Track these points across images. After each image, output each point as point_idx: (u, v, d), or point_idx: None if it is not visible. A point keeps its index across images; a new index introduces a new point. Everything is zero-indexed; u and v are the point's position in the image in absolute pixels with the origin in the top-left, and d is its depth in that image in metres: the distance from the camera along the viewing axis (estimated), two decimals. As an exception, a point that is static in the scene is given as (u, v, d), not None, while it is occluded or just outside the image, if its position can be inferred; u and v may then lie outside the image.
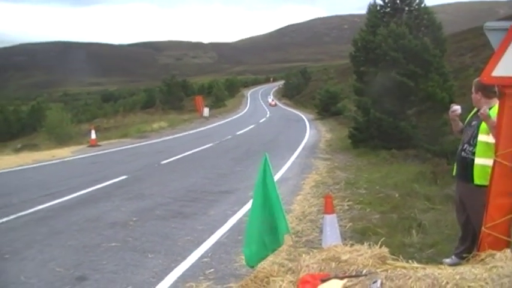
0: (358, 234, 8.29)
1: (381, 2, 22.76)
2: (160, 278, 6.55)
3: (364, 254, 5.31)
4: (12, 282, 6.50)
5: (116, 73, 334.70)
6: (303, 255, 5.52)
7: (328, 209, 7.04)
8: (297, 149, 23.06)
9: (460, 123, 6.36)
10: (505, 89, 5.13)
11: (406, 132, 19.82)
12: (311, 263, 5.08)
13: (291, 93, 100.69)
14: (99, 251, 7.78)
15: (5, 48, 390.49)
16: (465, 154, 6.07)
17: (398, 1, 22.39)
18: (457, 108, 6.24)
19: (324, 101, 50.09)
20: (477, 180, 5.83)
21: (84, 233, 8.87)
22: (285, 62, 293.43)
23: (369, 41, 21.69)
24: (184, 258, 7.38)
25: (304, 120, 49.97)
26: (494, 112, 5.53)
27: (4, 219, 9.91)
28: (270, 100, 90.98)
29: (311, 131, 36.34)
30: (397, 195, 11.16)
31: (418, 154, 18.00)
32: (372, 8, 22.83)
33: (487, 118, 5.51)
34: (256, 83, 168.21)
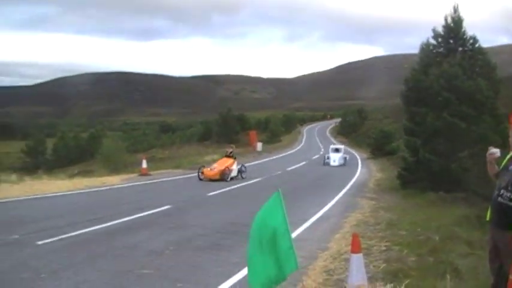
0: (389, 276, 8.16)
1: (434, 42, 22.56)
2: (186, 308, 6.62)
3: (385, 296, 5.26)
4: (43, 302, 6.68)
5: (175, 104, 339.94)
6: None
7: (355, 248, 6.97)
8: (345, 188, 22.94)
9: (496, 167, 6.23)
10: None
11: (456, 175, 19.47)
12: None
13: (347, 131, 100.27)
14: (131, 277, 7.93)
15: (69, 77, 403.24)
16: (502, 200, 5.90)
17: (452, 41, 22.18)
18: (495, 151, 6.11)
19: (378, 140, 49.77)
20: None
21: (120, 259, 9.05)
22: (343, 99, 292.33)
23: (420, 80, 21.53)
24: (212, 289, 7.44)
25: (357, 158, 49.67)
26: None
27: (48, 240, 10.21)
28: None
29: (362, 169, 36.10)
30: (437, 238, 10.96)
31: (466, 197, 17.65)
32: (425, 48, 22.67)
33: None
34: (313, 119, 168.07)
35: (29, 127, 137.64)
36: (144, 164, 27.68)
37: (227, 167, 24.29)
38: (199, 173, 24.21)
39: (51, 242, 10.16)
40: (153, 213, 14.37)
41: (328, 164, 39.50)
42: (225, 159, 25.54)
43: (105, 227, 12.10)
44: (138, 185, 22.56)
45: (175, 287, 7.51)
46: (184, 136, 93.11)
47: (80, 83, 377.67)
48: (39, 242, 10.02)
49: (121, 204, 16.16)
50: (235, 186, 22.22)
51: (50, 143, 74.54)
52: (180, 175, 27.93)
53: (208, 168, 24.26)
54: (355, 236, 7.17)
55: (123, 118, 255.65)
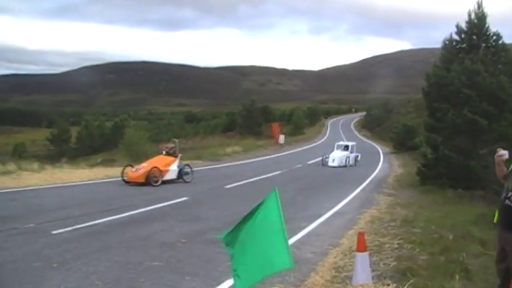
0: (398, 275, 8.14)
1: (457, 38, 22.28)
2: (190, 301, 6.68)
3: (386, 296, 5.25)
4: (53, 292, 6.80)
5: (200, 95, 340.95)
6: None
7: (360, 246, 6.96)
8: (364, 183, 22.87)
9: (505, 169, 6.20)
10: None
11: (475, 172, 19.29)
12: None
13: (372, 125, 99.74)
14: (140, 269, 8.02)
15: (95, 66, 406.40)
16: (509, 202, 5.87)
17: (475, 37, 21.88)
18: (504, 153, 6.09)
19: (400, 135, 49.45)
20: None
21: (131, 250, 9.15)
22: (369, 93, 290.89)
23: (442, 76, 21.32)
24: (219, 283, 7.49)
25: (379, 153, 49.41)
26: None
27: (62, 230, 10.37)
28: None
29: (383, 164, 35.95)
30: (450, 237, 10.91)
31: (485, 195, 17.49)
32: (448, 43, 22.41)
33: None
34: (338, 112, 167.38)
35: (55, 115, 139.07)
36: (165, 155, 27.68)
37: (157, 168, 18.95)
38: (123, 174, 19.15)
39: (65, 231, 10.30)
40: (168, 205, 14.50)
41: (326, 164, 32.39)
42: (161, 157, 20.50)
43: (120, 217, 12.23)
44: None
45: (184, 280, 7.57)
46: (208, 127, 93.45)
47: (105, 72, 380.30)
48: (54, 232, 10.18)
49: (138, 195, 16.30)
50: (255, 179, 22.27)
51: (74, 132, 75.31)
52: (200, 166, 28.04)
53: (134, 169, 19.14)
54: (360, 235, 7.15)
55: (148, 108, 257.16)
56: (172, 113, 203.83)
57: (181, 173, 20.24)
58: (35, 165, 21.55)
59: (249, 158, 36.41)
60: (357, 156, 35.25)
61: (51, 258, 8.33)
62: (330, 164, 32.07)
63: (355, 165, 33.40)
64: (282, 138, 52.87)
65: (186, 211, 13.67)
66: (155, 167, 18.97)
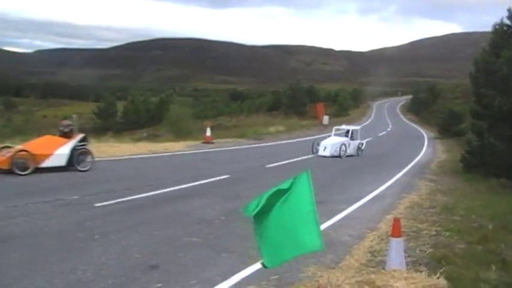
0: (433, 262, 8.11)
1: (508, 22, 21.61)
2: (226, 277, 6.85)
3: (418, 283, 5.28)
4: (94, 262, 7.05)
5: (246, 73, 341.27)
6: (338, 273, 5.56)
7: (395, 232, 6.96)
8: (406, 167, 22.67)
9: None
10: None
11: (521, 161, 18.91)
12: (343, 283, 5.13)
13: (418, 109, 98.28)
14: (178, 244, 8.23)
15: (142, 42, 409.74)
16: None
17: (528, 21, 21.26)
18: None
19: (446, 120, 48.72)
20: None
21: (171, 226, 9.37)
22: (416, 76, 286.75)
23: (490, 62, 20.85)
24: (255, 261, 7.56)
25: (424, 137, 48.78)
26: None
27: (105, 203, 10.69)
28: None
29: (427, 149, 35.54)
30: (490, 226, 10.77)
31: (530, 186, 17.17)
32: (498, 28, 21.78)
33: None
34: (384, 95, 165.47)
35: (101, 89, 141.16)
36: (208, 132, 28.07)
37: (26, 152, 14.32)
38: None
39: (108, 204, 10.62)
40: (209, 182, 14.70)
41: (317, 152, 25.39)
42: (47, 138, 16.07)
43: (161, 193, 12.50)
44: (200, 152, 23.01)
45: (219, 257, 7.74)
46: (253, 105, 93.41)
47: (152, 47, 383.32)
48: (97, 204, 10.51)
49: (180, 171, 16.60)
50: (296, 159, 22.34)
51: (120, 106, 76.36)
52: (242, 145, 28.27)
53: (5, 152, 14.50)
54: (396, 220, 7.14)
55: (193, 84, 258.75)
56: (216, 90, 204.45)
57: (73, 159, 15.35)
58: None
59: (292, 138, 36.49)
60: (361, 144, 27.84)
61: (93, 230, 8.63)
62: (321, 153, 25.20)
63: (358, 155, 26.78)
64: (326, 119, 52.56)
65: (226, 188, 13.86)
66: (22, 151, 14.41)
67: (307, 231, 5.24)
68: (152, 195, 12.13)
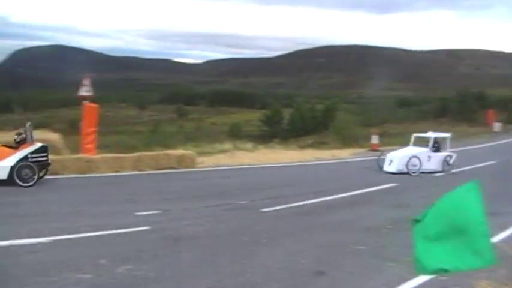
0: None
1: None
2: (392, 287, 6.66)
3: None
4: (261, 265, 7.23)
5: (412, 79, 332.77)
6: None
7: None
8: None
9: None
10: None
11: None
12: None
13: None
14: (344, 251, 8.18)
15: (307, 50, 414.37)
16: None
17: None
18: None
19: None
20: None
21: (336, 233, 9.36)
22: None
23: None
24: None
25: None
26: None
27: (272, 208, 10.97)
28: None
29: None
30: None
31: None
32: None
33: None
34: None
35: (268, 97, 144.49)
36: (375, 140, 27.65)
37: None
38: None
39: (274, 210, 10.85)
40: (376, 190, 14.51)
41: (382, 167, 19.05)
42: None
43: (328, 200, 12.55)
44: (366, 160, 22.66)
45: (386, 266, 7.56)
46: (420, 112, 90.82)
47: (317, 55, 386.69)
48: (264, 209, 10.77)
49: (346, 178, 16.54)
50: (464, 169, 21.12)
51: (286, 113, 77.72)
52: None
53: None
54: None
55: (358, 91, 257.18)
56: (381, 97, 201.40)
57: (17, 172, 12.65)
58: (249, 145, 22.74)
59: (459, 146, 34.85)
60: (448, 156, 20.77)
61: (260, 234, 8.84)
62: (386, 168, 19.05)
63: (443, 171, 19.86)
64: (497, 126, 49.76)
65: (393, 197, 13.60)
66: None
67: (476, 244, 4.98)
68: (318, 201, 12.20)
